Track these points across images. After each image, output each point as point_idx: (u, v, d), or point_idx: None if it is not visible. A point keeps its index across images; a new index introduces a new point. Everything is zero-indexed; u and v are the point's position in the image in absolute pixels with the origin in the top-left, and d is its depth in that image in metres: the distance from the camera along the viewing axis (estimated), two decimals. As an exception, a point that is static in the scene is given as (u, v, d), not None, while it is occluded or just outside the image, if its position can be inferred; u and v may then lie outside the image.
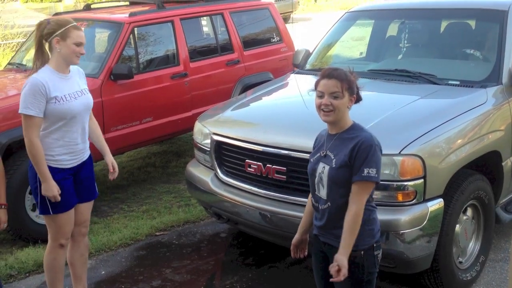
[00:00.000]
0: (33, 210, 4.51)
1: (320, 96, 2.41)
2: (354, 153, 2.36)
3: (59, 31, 3.11)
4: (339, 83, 2.38)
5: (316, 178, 2.50)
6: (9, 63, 5.93)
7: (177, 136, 6.72)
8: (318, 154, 2.52)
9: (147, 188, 5.73)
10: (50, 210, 3.22)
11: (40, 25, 3.16)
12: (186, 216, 4.89)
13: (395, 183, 3.07)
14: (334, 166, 2.42)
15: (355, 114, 2.49)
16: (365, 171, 2.34)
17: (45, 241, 4.38)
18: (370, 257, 2.46)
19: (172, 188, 5.69)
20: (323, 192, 2.48)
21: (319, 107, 2.42)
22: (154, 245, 4.43)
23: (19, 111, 3.08)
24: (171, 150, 6.98)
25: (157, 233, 4.62)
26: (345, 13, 5.25)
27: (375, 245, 2.47)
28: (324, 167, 2.46)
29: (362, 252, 2.44)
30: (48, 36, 3.13)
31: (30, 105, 3.05)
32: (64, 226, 3.30)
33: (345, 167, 2.38)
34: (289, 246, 2.73)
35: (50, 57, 3.19)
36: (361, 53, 5.33)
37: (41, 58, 3.17)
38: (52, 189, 3.13)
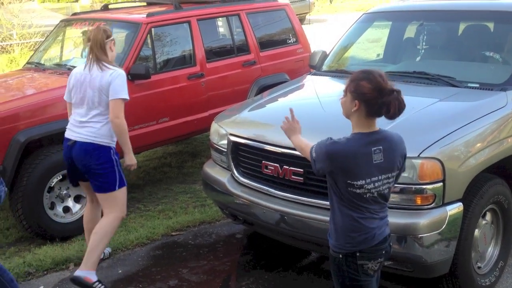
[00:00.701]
0: (51, 208, 4.55)
1: None
2: None
3: (113, 37, 3.77)
4: (347, 82, 2.42)
5: None
6: (27, 63, 5.99)
7: (193, 137, 6.74)
8: None
9: (163, 188, 5.76)
10: (125, 182, 3.78)
11: (100, 29, 3.69)
12: (202, 216, 4.90)
13: (413, 186, 3.05)
14: None
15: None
16: (313, 148, 2.44)
17: (62, 239, 4.49)
18: (353, 265, 2.40)
19: (188, 188, 5.71)
20: None
21: None
22: (170, 245, 4.45)
23: (123, 97, 3.64)
24: (186, 150, 7.01)
25: (173, 233, 4.64)
26: (363, 14, 5.22)
27: (358, 254, 2.39)
28: None
29: (341, 256, 2.41)
30: (107, 38, 3.70)
31: (127, 91, 3.66)
32: (126, 197, 3.82)
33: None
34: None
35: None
36: (378, 55, 5.30)
37: (108, 54, 3.69)
38: (134, 158, 3.86)
